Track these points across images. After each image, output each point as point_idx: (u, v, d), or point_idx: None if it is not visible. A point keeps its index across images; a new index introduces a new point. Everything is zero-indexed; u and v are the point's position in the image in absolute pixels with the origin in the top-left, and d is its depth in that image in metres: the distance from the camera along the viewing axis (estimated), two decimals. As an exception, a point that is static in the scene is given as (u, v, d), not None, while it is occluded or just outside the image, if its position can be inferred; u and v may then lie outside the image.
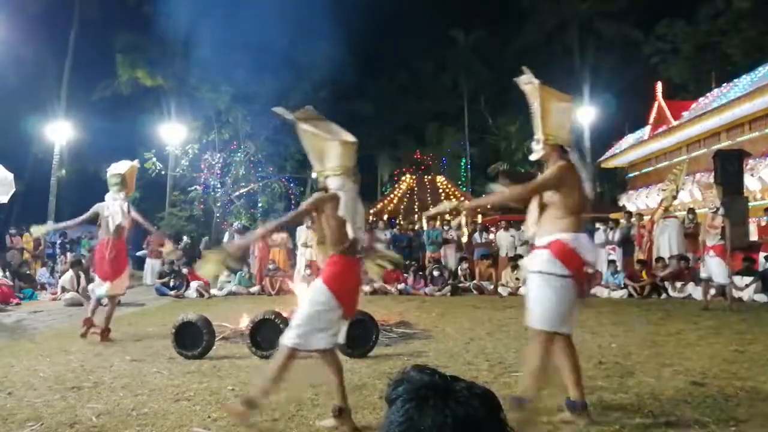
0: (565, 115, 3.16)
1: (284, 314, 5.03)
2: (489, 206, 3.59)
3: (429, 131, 29.51)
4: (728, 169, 8.68)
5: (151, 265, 13.43)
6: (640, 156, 18.43)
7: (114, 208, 5.92)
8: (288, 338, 2.96)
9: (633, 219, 11.88)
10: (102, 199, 6.19)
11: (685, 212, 11.70)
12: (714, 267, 7.77)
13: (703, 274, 8.01)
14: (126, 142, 24.66)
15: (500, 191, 3.42)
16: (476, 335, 5.89)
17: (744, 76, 13.79)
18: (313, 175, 3.17)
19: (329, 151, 3.11)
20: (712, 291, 8.08)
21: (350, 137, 3.17)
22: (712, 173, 10.60)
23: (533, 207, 3.12)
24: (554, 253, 2.88)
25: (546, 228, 3.00)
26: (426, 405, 0.76)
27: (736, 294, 8.90)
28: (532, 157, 3.17)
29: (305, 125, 3.15)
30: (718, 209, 7.78)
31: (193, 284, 10.99)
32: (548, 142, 3.04)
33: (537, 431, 2.95)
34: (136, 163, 6.35)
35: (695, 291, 9.15)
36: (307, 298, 3.05)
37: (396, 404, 0.78)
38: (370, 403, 3.43)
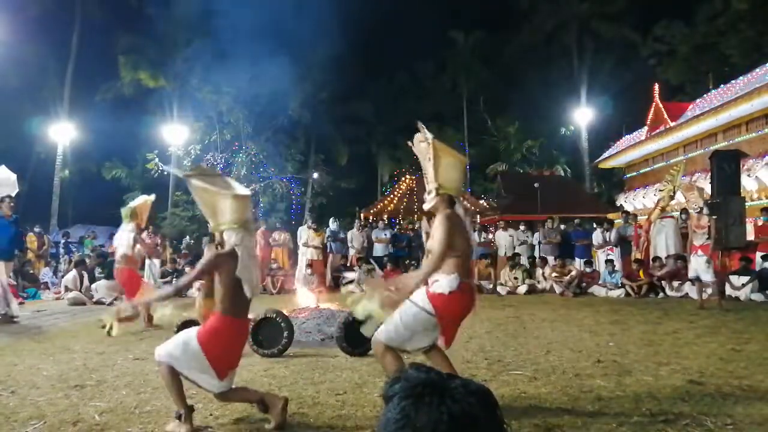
0: (457, 169, 3.33)
1: (286, 313, 5.07)
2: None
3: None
4: (725, 169, 8.72)
5: (149, 265, 13.43)
6: (638, 157, 18.47)
7: (121, 239, 6.52)
8: (160, 358, 3.02)
9: (629, 219, 11.92)
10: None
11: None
12: (699, 265, 7.86)
13: (691, 274, 8.09)
14: (128, 143, 24.82)
15: (417, 272, 3.41)
16: (475, 334, 5.92)
17: (741, 77, 13.83)
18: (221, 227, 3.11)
19: (222, 205, 3.11)
20: (709, 290, 8.13)
21: (244, 191, 3.23)
22: (709, 174, 10.66)
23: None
24: (428, 294, 3.08)
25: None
26: (422, 402, 0.77)
27: (733, 293, 8.96)
28: (425, 206, 3.30)
29: (196, 181, 3.16)
30: (702, 209, 7.87)
31: (196, 283, 11.06)
32: (440, 192, 3.20)
33: None
34: (151, 197, 6.91)
35: (692, 290, 9.20)
36: (183, 345, 3.00)
37: (393, 402, 0.79)
38: (370, 401, 3.46)
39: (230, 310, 3.02)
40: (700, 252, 7.85)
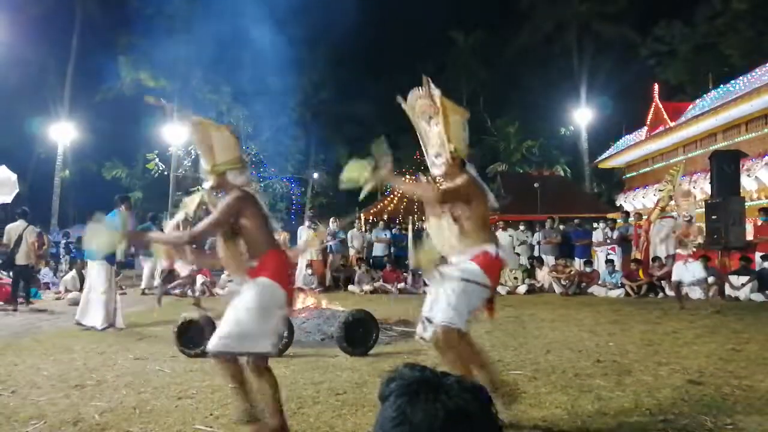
0: (464, 128, 3.06)
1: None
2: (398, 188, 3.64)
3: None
4: (725, 169, 8.72)
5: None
6: (638, 157, 18.47)
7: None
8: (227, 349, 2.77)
9: (630, 219, 11.93)
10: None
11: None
12: (689, 270, 7.81)
13: (674, 278, 8.01)
14: (128, 143, 24.84)
15: (419, 183, 3.27)
16: (475, 333, 5.86)
17: (741, 77, 13.83)
18: (229, 176, 2.80)
19: (220, 140, 2.83)
20: (710, 292, 8.20)
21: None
22: (709, 174, 10.67)
23: (434, 225, 3.04)
24: (483, 266, 2.88)
25: (467, 241, 2.94)
26: (417, 399, 0.78)
27: (733, 293, 8.97)
28: (436, 172, 3.04)
29: (195, 117, 2.96)
30: (691, 218, 7.82)
31: (199, 278, 11.13)
32: (454, 155, 2.96)
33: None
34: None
35: (691, 291, 9.22)
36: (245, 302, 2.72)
37: (389, 400, 0.80)
38: (370, 401, 3.47)
39: (272, 243, 2.83)
40: (689, 260, 7.79)
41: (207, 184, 2.88)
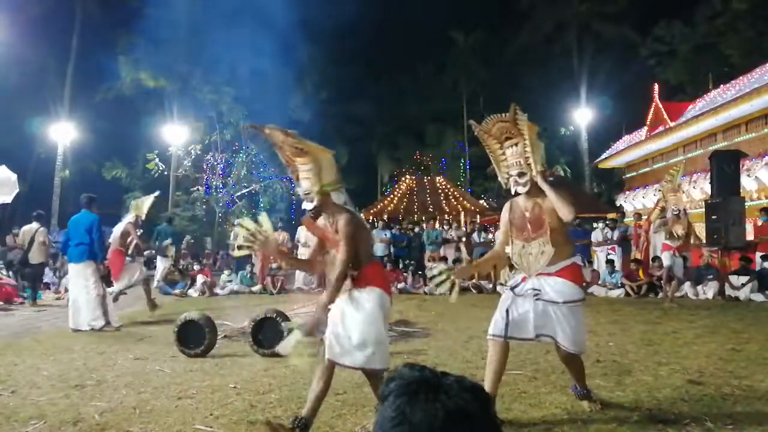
0: (540, 147, 3.22)
1: (286, 313, 5.08)
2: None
3: (429, 132, 29.53)
4: (725, 169, 8.73)
5: (160, 261, 13.43)
6: (638, 157, 18.47)
7: (120, 226, 7.78)
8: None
9: (626, 219, 11.98)
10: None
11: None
12: (675, 263, 8.28)
13: (666, 262, 8.43)
14: (128, 143, 24.84)
15: (565, 199, 3.24)
16: (475, 333, 5.93)
17: (741, 77, 13.83)
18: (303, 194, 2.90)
19: (327, 163, 2.95)
20: (681, 286, 8.44)
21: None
22: (709, 174, 10.67)
23: (519, 247, 3.26)
24: (573, 278, 3.17)
25: (560, 254, 3.17)
26: (417, 399, 0.78)
27: (733, 293, 8.97)
28: (519, 190, 3.19)
29: (310, 144, 2.98)
30: (680, 212, 8.06)
31: (199, 278, 11.15)
32: (534, 175, 3.14)
33: None
34: (154, 195, 8.34)
35: (691, 290, 9.26)
36: (370, 313, 2.80)
37: (388, 400, 0.80)
38: (370, 401, 3.46)
39: (371, 255, 3.10)
40: (675, 253, 8.19)
41: (309, 204, 2.94)
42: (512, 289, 3.28)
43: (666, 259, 8.34)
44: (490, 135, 3.24)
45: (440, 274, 3.30)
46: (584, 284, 3.32)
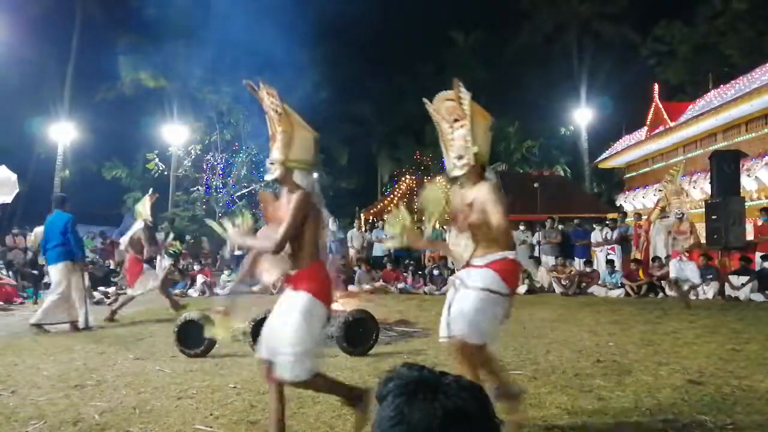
0: (489, 135, 3.03)
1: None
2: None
3: (429, 132, 29.49)
4: (725, 169, 8.74)
5: (160, 260, 13.45)
6: (638, 157, 18.48)
7: (132, 230, 7.78)
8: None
9: (627, 219, 11.98)
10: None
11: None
12: (686, 269, 8.15)
13: (672, 275, 8.29)
14: (128, 143, 24.82)
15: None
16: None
17: (741, 77, 13.83)
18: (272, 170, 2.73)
19: (305, 141, 2.81)
20: (689, 289, 8.37)
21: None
22: (709, 174, 10.67)
23: (454, 236, 3.04)
24: (502, 274, 2.85)
25: (488, 248, 2.90)
26: (415, 399, 0.78)
27: (733, 293, 8.97)
28: (454, 174, 2.98)
29: (289, 109, 2.84)
30: (683, 215, 7.98)
31: (199, 278, 11.16)
32: (477, 159, 2.91)
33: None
34: (151, 195, 8.25)
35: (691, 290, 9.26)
36: (294, 319, 2.61)
37: (387, 400, 0.80)
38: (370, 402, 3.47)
39: (316, 254, 2.71)
40: (683, 258, 7.98)
41: (269, 176, 2.81)
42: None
43: (673, 269, 8.16)
44: (440, 115, 3.05)
45: (395, 226, 3.01)
46: (515, 285, 2.95)
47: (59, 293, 6.37)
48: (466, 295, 2.82)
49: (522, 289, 10.73)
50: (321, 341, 2.87)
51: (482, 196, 2.84)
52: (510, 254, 2.89)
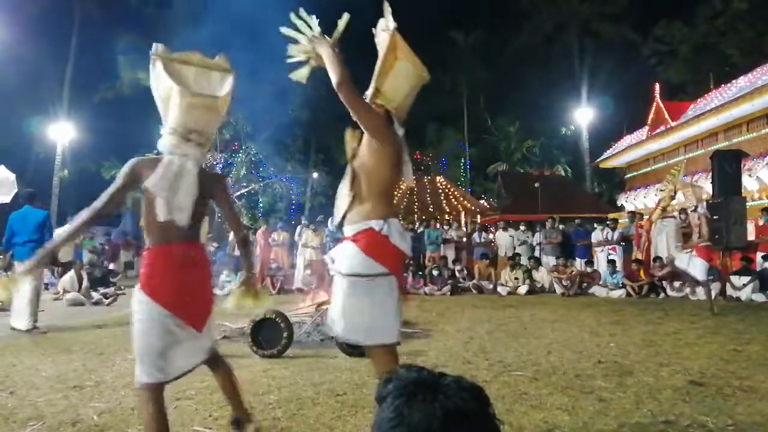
0: (409, 82, 2.52)
1: (285, 313, 5.06)
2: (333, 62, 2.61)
3: (429, 132, 29.54)
4: (726, 169, 8.71)
5: None
6: (639, 156, 18.48)
7: None
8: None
9: (634, 219, 11.95)
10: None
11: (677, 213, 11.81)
12: (695, 266, 8.27)
13: (678, 263, 8.56)
14: (128, 143, 24.78)
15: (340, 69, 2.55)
16: (476, 334, 5.91)
17: (742, 77, 13.83)
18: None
19: (173, 101, 2.42)
20: (706, 289, 8.23)
21: (215, 91, 2.51)
22: (710, 174, 10.64)
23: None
24: (364, 248, 2.27)
25: (360, 211, 2.34)
26: (415, 400, 0.78)
27: (734, 293, 8.96)
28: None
29: (159, 64, 2.45)
30: (696, 207, 7.95)
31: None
32: (376, 99, 2.47)
33: None
34: None
35: (699, 291, 9.24)
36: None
37: (386, 401, 0.80)
38: (369, 402, 3.45)
39: (159, 237, 2.32)
40: (694, 252, 7.95)
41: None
42: None
43: (681, 262, 8.21)
44: (379, 45, 2.63)
45: (300, 52, 2.60)
46: (388, 263, 2.31)
47: (33, 290, 6.34)
48: (339, 285, 2.34)
49: (523, 289, 10.73)
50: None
51: (366, 138, 2.38)
52: (375, 225, 2.28)
